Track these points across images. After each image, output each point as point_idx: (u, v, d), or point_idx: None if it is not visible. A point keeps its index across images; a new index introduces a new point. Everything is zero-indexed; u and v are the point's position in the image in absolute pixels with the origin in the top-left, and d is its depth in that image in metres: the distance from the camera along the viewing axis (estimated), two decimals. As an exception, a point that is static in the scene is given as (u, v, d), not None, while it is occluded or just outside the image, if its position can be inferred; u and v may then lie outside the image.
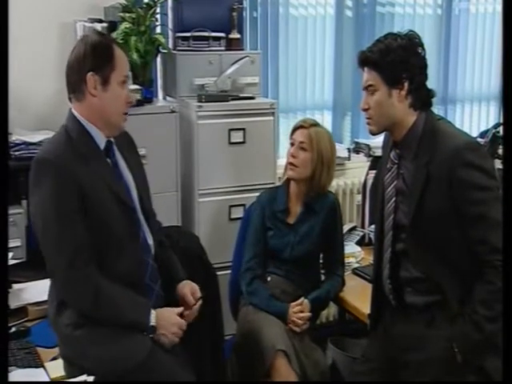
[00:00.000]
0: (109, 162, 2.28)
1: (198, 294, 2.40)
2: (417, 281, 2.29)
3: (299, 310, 2.87)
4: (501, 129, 3.89)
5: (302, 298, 2.90)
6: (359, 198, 3.88)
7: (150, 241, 2.37)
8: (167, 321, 2.26)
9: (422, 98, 2.25)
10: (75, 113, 2.24)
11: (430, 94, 2.28)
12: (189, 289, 2.40)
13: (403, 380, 2.30)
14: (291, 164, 2.96)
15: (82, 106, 2.22)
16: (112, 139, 2.30)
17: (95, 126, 2.23)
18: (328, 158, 2.97)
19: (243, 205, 3.46)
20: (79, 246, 2.13)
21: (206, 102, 3.41)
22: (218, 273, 2.87)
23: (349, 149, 4.23)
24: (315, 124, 3.02)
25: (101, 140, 2.25)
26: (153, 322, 2.21)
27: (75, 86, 2.21)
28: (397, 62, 2.20)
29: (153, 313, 2.22)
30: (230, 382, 2.88)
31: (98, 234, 2.17)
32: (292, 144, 3.00)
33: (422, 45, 2.26)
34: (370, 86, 2.26)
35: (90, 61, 2.17)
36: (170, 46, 3.65)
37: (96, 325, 2.17)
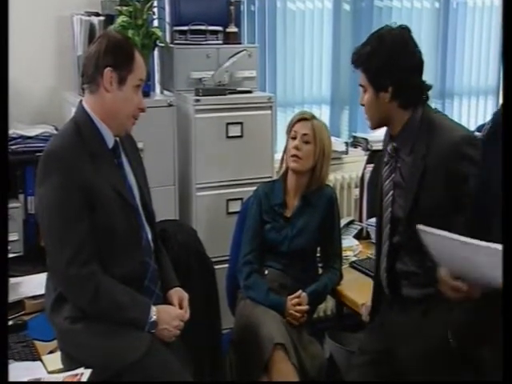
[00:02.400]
0: (115, 162, 2.29)
1: (186, 303, 2.40)
2: (413, 274, 2.29)
3: (297, 302, 2.88)
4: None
5: (299, 291, 2.90)
6: (357, 191, 3.88)
7: (152, 242, 2.37)
8: (168, 314, 2.27)
9: (411, 97, 2.25)
10: (86, 106, 2.26)
11: (423, 89, 2.27)
12: (176, 297, 2.41)
13: (399, 371, 2.31)
14: (295, 156, 2.96)
15: (93, 98, 2.24)
16: (118, 139, 2.31)
17: (104, 123, 2.24)
18: (328, 151, 2.99)
19: (241, 199, 3.45)
20: (82, 243, 2.13)
21: (203, 95, 3.40)
22: (216, 267, 2.88)
23: (346, 143, 4.22)
24: (314, 117, 3.04)
25: (109, 138, 2.26)
26: (154, 317, 2.22)
27: (91, 77, 2.23)
28: (381, 67, 2.21)
29: (153, 309, 2.23)
30: (231, 382, 2.88)
31: (101, 234, 2.17)
32: (293, 137, 2.99)
33: (413, 41, 2.25)
34: (362, 85, 2.29)
35: (111, 57, 2.20)
36: (168, 39, 3.64)
37: (94, 319, 2.18)
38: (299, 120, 3.01)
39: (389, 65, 2.20)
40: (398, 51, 2.21)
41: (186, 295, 2.42)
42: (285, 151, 3.06)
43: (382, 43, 2.22)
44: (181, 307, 2.38)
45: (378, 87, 2.24)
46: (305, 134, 2.95)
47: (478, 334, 2.13)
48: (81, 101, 2.29)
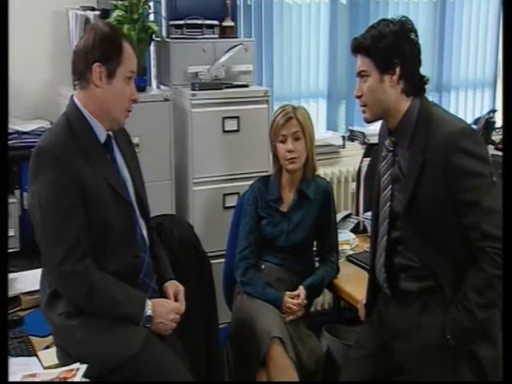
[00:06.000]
0: (108, 156, 2.28)
1: (181, 295, 2.40)
2: (411, 267, 2.28)
3: (294, 295, 2.87)
4: (494, 115, 3.89)
5: (300, 287, 2.90)
6: (354, 185, 3.88)
7: (147, 237, 2.37)
8: (164, 308, 2.27)
9: (414, 84, 2.24)
10: (77, 101, 2.25)
11: (422, 80, 2.27)
12: (172, 290, 2.40)
13: (396, 365, 2.31)
14: (291, 158, 2.94)
15: (84, 94, 2.23)
16: (111, 133, 2.30)
17: (96, 118, 2.23)
18: (313, 137, 3.00)
19: (237, 193, 3.45)
20: (76, 240, 2.12)
21: (199, 90, 3.40)
22: (212, 261, 2.88)
23: (343, 136, 4.22)
24: (294, 108, 2.99)
25: (101, 133, 2.25)
26: (149, 311, 2.21)
27: (80, 73, 2.22)
28: (388, 47, 2.19)
29: (148, 303, 2.23)
30: (231, 382, 2.88)
31: (95, 229, 2.17)
32: (283, 141, 2.94)
33: (414, 31, 2.25)
34: (363, 71, 2.26)
35: (98, 51, 2.18)
36: (164, 34, 3.63)
37: (90, 314, 2.18)
38: (285, 122, 2.93)
39: (396, 45, 2.19)
40: (402, 35, 2.22)
41: (181, 287, 2.42)
42: (273, 154, 3.02)
43: (388, 26, 2.22)
44: (176, 300, 2.37)
45: (384, 68, 2.20)
46: (295, 132, 2.92)
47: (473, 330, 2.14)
48: (72, 96, 2.28)
